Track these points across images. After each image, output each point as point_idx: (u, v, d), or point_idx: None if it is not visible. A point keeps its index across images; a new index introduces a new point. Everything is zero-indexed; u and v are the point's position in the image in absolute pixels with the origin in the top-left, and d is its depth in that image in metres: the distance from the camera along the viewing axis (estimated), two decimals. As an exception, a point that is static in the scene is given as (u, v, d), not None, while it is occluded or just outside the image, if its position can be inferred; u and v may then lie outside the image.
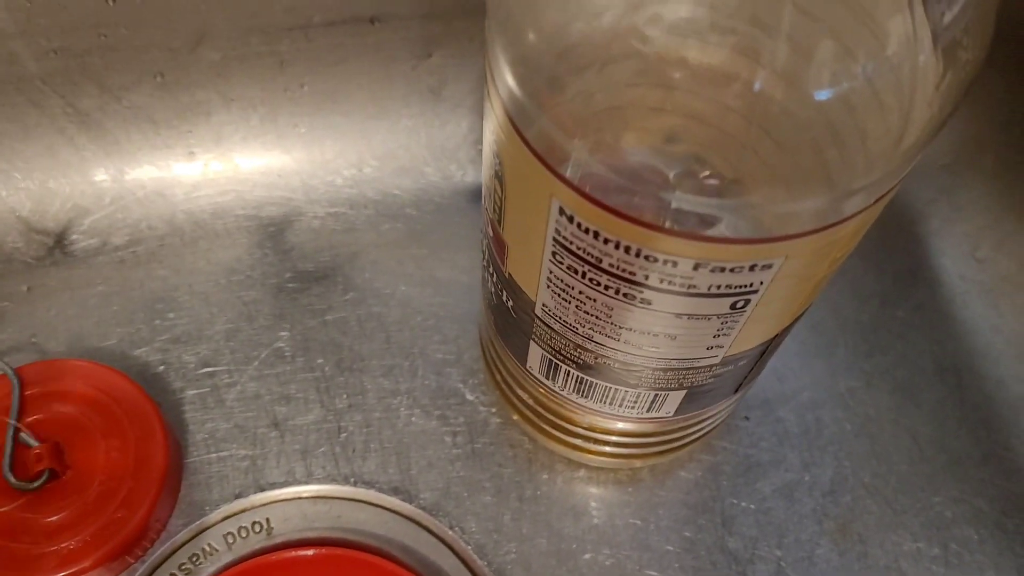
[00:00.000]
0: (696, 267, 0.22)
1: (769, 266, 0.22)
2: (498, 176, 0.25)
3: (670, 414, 0.32)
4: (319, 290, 0.43)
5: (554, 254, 0.25)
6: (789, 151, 0.20)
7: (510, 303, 0.30)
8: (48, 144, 0.43)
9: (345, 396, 0.41)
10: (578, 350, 0.29)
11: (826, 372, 0.43)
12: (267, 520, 0.38)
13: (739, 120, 0.20)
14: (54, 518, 0.35)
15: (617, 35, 0.20)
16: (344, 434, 0.40)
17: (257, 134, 0.45)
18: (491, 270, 0.31)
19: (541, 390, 0.34)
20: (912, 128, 0.21)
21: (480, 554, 0.37)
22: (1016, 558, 0.39)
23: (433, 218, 0.46)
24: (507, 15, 0.22)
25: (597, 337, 0.27)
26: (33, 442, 0.36)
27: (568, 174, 0.22)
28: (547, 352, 0.30)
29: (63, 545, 0.35)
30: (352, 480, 0.39)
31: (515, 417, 0.39)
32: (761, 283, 0.23)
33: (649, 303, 0.24)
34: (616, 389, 0.30)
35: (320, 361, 0.41)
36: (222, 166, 0.46)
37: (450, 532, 0.37)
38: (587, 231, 0.23)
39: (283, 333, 0.42)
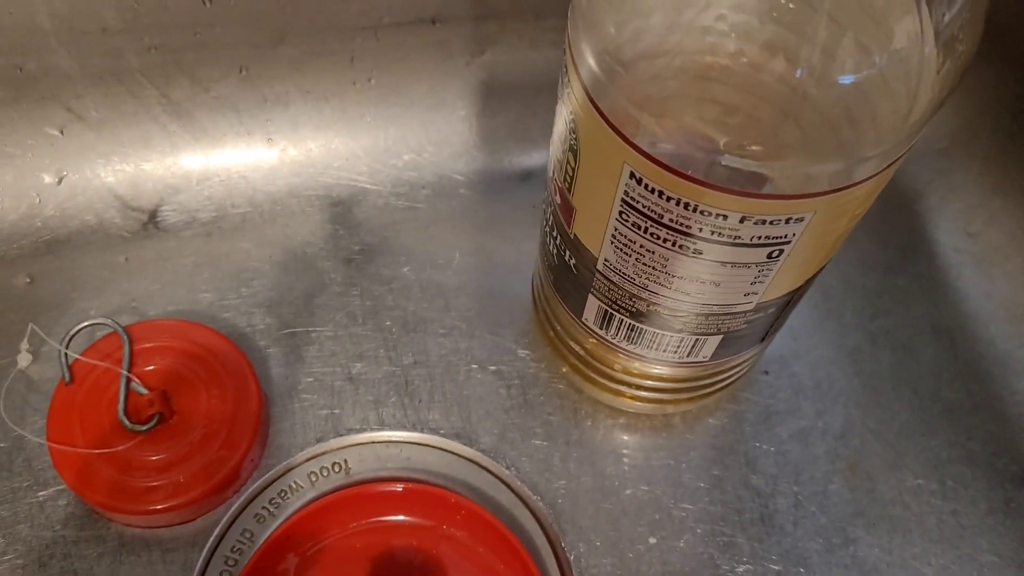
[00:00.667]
0: (742, 220, 0.27)
1: (801, 219, 0.27)
2: (572, 150, 0.30)
3: (707, 358, 0.37)
4: (384, 260, 0.47)
5: (621, 213, 0.30)
6: (817, 126, 0.25)
7: (572, 261, 0.35)
8: (143, 130, 0.47)
9: (411, 354, 0.44)
10: (633, 299, 0.33)
11: (836, 332, 0.47)
12: (345, 461, 0.41)
13: (779, 100, 0.25)
14: (163, 456, 0.39)
15: (682, 30, 0.25)
16: (411, 387, 0.43)
17: (329, 123, 0.49)
18: (554, 234, 0.35)
19: (592, 340, 0.38)
20: (917, 107, 0.26)
21: (533, 490, 0.41)
22: (1004, 491, 0.43)
23: (484, 197, 0.50)
24: (590, 11, 0.27)
25: (652, 286, 0.32)
26: (143, 390, 0.40)
27: (639, 143, 0.27)
28: (604, 303, 0.35)
29: (172, 479, 0.38)
30: (419, 427, 0.42)
31: (564, 369, 0.43)
32: (794, 235, 0.28)
33: (700, 253, 0.29)
34: (663, 335, 0.35)
35: (388, 323, 0.45)
36: (297, 151, 0.49)
37: (506, 471, 0.41)
38: (652, 191, 0.28)
39: (354, 299, 0.46)
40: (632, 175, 0.28)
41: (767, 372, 0.45)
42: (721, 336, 0.34)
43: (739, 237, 0.28)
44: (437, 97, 0.50)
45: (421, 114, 0.50)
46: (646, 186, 0.27)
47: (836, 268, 0.49)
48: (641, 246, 0.30)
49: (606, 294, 0.34)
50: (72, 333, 0.41)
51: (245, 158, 0.49)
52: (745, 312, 0.33)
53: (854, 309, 0.48)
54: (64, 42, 0.42)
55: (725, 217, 0.27)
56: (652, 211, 0.28)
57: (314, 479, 0.41)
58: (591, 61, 0.27)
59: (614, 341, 0.37)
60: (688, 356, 0.36)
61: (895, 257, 0.50)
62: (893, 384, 0.46)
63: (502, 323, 0.45)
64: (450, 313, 0.46)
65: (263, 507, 0.40)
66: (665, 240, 0.29)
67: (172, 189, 0.48)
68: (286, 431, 0.42)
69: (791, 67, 0.24)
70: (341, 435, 0.42)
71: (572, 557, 0.40)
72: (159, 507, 0.38)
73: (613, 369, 0.40)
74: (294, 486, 0.40)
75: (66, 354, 0.40)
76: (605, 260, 0.32)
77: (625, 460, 0.42)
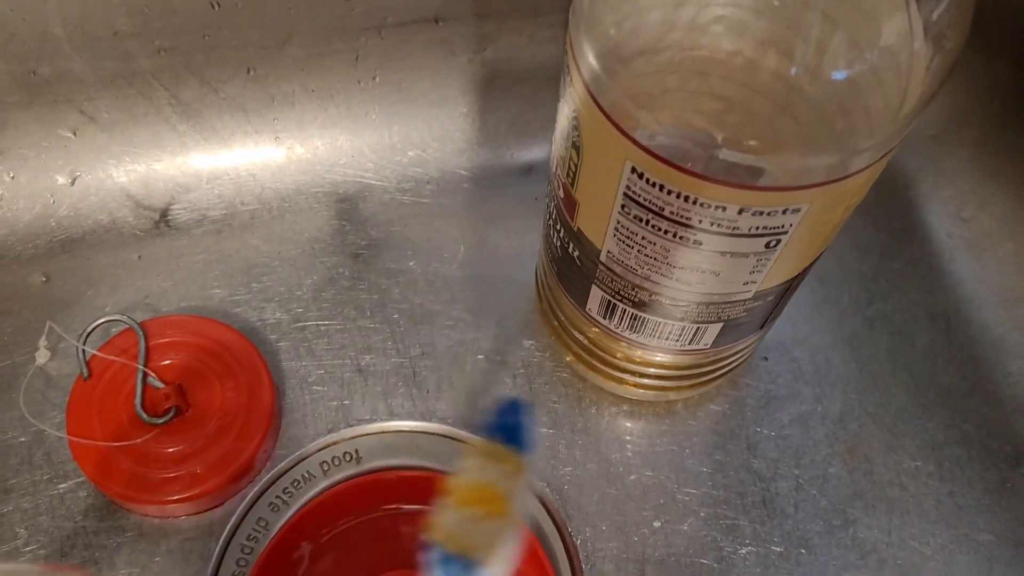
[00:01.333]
0: (740, 211, 0.28)
1: (797, 210, 0.28)
2: (575, 146, 0.31)
3: (708, 345, 0.38)
4: (391, 255, 0.48)
5: (623, 206, 0.31)
6: (812, 120, 0.26)
7: (576, 253, 0.36)
8: (154, 131, 0.48)
9: (418, 346, 0.45)
10: (635, 289, 0.34)
11: (833, 318, 0.48)
12: (356, 451, 0.42)
13: (774, 95, 0.26)
14: (179, 448, 0.40)
15: (680, 28, 0.26)
16: (419, 377, 0.44)
17: (334, 121, 0.50)
18: (558, 227, 0.37)
19: (595, 330, 0.40)
20: (908, 100, 0.27)
21: (540, 477, 0.42)
22: (999, 472, 0.44)
23: (487, 191, 0.51)
24: (591, 12, 0.28)
25: (654, 277, 0.33)
26: (159, 384, 0.41)
27: (640, 139, 0.28)
28: (607, 294, 0.36)
29: (188, 470, 0.39)
30: (427, 416, 0.43)
31: (568, 358, 0.44)
32: (791, 225, 0.29)
33: (700, 244, 0.30)
34: (664, 323, 0.36)
35: (395, 316, 0.46)
36: (304, 149, 0.50)
37: None
38: (653, 184, 0.29)
39: (362, 292, 0.47)
40: (634, 170, 0.29)
41: (767, 358, 0.46)
42: (721, 324, 0.36)
43: (738, 228, 0.29)
44: (440, 94, 0.51)
45: (425, 111, 0.51)
46: (647, 180, 0.29)
47: (832, 255, 0.50)
48: (643, 238, 0.31)
49: (609, 284, 0.35)
50: (89, 329, 0.42)
51: (253, 157, 0.50)
52: (744, 300, 0.34)
53: (851, 295, 0.49)
54: (77, 47, 0.43)
55: (724, 209, 0.28)
56: (653, 204, 0.29)
57: (326, 468, 0.41)
58: (592, 60, 0.28)
59: (617, 330, 0.38)
60: (690, 344, 0.37)
61: (890, 243, 0.51)
62: (890, 368, 0.47)
63: (507, 314, 0.46)
64: (456, 305, 0.47)
65: (277, 496, 0.41)
66: (666, 232, 0.30)
67: (183, 188, 0.49)
68: (298, 422, 0.43)
69: (786, 63, 0.25)
70: (352, 425, 0.43)
71: (579, 541, 0.41)
72: (177, 497, 0.39)
73: (616, 357, 0.41)
74: (307, 475, 0.41)
75: (84, 350, 0.41)
76: (608, 252, 0.33)
77: (629, 446, 0.43)
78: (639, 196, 0.29)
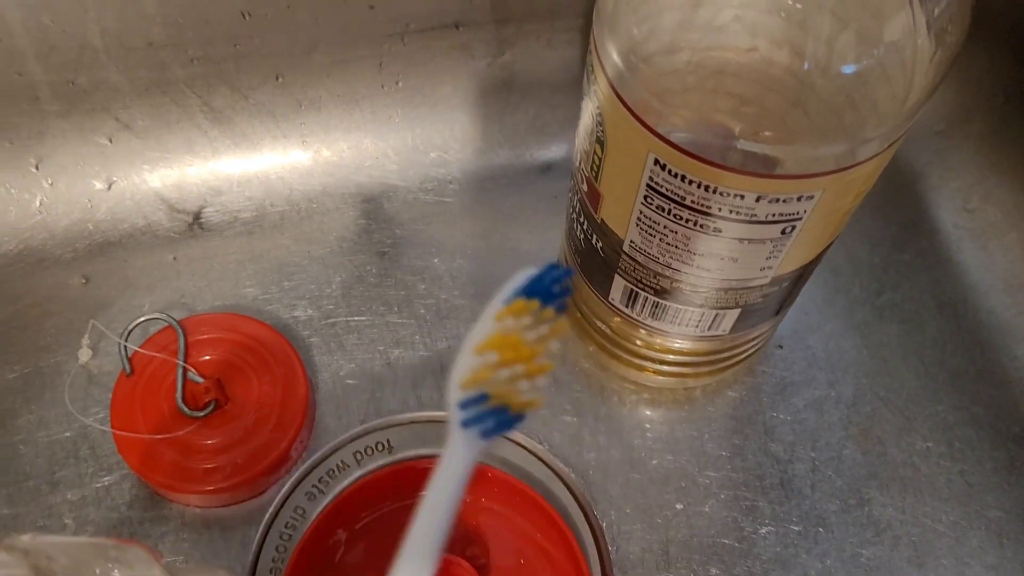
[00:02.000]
0: (758, 199, 0.30)
1: (811, 197, 0.30)
2: (599, 140, 0.33)
3: (726, 332, 0.39)
4: (416, 252, 0.50)
5: (646, 197, 0.32)
6: (823, 112, 0.28)
7: (599, 244, 0.37)
8: (187, 137, 0.50)
9: (444, 339, 0.47)
10: (657, 277, 0.36)
11: (845, 307, 0.49)
12: (388, 440, 0.43)
13: (787, 90, 0.28)
14: (219, 440, 0.41)
15: (698, 28, 0.28)
16: (446, 370, 0.45)
17: (359, 124, 0.52)
18: (581, 219, 0.38)
19: (617, 319, 0.41)
20: (913, 92, 0.28)
21: (565, 463, 0.43)
22: (1008, 451, 0.45)
23: (507, 189, 0.53)
24: (615, 13, 0.29)
25: (675, 264, 0.35)
26: (199, 379, 0.42)
27: (662, 132, 0.29)
28: (630, 282, 0.38)
29: (228, 461, 0.41)
30: None
31: (591, 348, 0.46)
32: (805, 211, 0.31)
33: (719, 231, 0.32)
34: (685, 310, 0.37)
35: (422, 311, 0.48)
36: (330, 152, 0.52)
37: (540, 446, 0.43)
38: (675, 175, 0.30)
39: (389, 289, 0.48)
40: (656, 161, 0.30)
41: (781, 346, 0.48)
42: (739, 310, 0.37)
43: (755, 215, 0.31)
44: (461, 97, 0.52)
45: (446, 113, 0.53)
46: (669, 171, 0.30)
47: (843, 247, 0.51)
48: (665, 227, 0.33)
49: (632, 273, 0.37)
50: (131, 327, 0.43)
51: (282, 160, 0.52)
52: (762, 286, 0.35)
53: (861, 285, 0.50)
54: (114, 57, 0.45)
55: (742, 197, 0.30)
56: (675, 194, 0.31)
57: (359, 458, 0.43)
58: (616, 58, 0.30)
59: (639, 318, 0.40)
60: (708, 330, 0.39)
61: (898, 235, 0.52)
62: (901, 354, 0.48)
63: (529, 308, 0.48)
64: (480, 300, 0.47)
65: (313, 485, 0.42)
66: (687, 220, 0.32)
67: (214, 191, 0.51)
68: (331, 414, 0.45)
69: (798, 60, 0.27)
70: (383, 416, 0.44)
71: (604, 524, 0.42)
72: (217, 487, 0.41)
73: (637, 346, 0.42)
74: (341, 465, 0.43)
75: (126, 347, 0.43)
76: (631, 242, 0.35)
77: (650, 432, 0.45)
78: (661, 187, 0.31)
